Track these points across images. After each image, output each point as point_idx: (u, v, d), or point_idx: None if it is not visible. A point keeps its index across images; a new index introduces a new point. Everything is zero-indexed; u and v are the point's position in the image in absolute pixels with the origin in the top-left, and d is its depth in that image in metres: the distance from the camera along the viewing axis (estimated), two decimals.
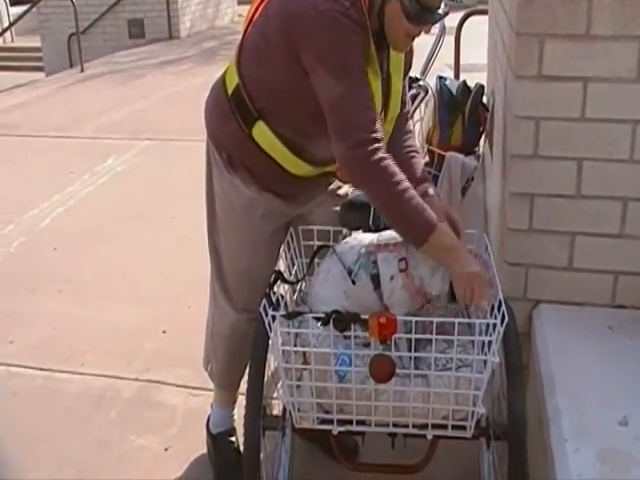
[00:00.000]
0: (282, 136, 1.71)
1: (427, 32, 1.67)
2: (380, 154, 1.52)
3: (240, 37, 1.77)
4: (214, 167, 1.87)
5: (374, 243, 1.62)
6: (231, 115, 1.75)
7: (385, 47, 1.69)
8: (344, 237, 1.93)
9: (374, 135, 1.52)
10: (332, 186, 1.92)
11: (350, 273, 1.58)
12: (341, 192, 1.93)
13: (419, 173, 1.73)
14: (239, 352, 2.00)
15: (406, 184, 1.52)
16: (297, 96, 1.64)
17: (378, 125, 1.55)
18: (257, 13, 1.70)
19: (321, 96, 1.56)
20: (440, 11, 1.59)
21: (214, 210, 1.92)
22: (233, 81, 1.75)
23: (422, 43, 2.75)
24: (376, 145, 1.52)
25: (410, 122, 1.89)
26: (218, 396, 2.16)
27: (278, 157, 1.74)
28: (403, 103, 1.82)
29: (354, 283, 1.57)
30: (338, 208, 1.87)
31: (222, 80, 1.81)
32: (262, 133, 1.72)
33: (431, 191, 1.68)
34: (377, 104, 1.62)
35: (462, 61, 4.53)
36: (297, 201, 1.85)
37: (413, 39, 1.68)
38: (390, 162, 1.53)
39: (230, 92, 1.76)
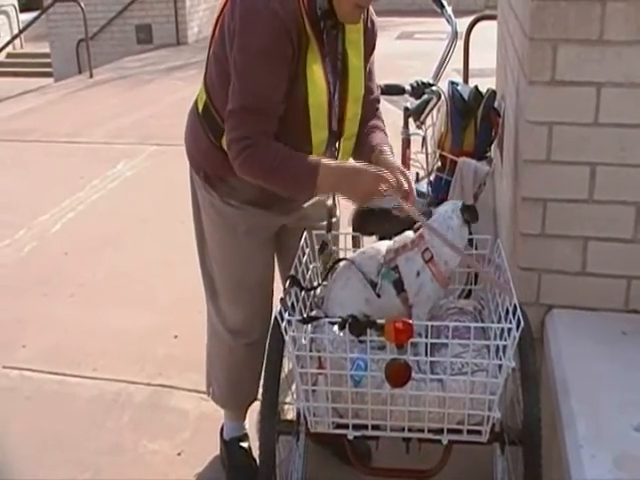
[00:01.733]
0: None
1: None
2: (246, 151, 1.60)
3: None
4: (197, 190, 1.89)
5: (392, 249, 1.63)
6: (202, 131, 1.79)
7: (340, 26, 1.68)
8: (357, 244, 1.94)
9: (242, 134, 1.60)
10: (315, 198, 1.88)
11: (374, 286, 1.59)
12: (329, 202, 1.90)
13: (375, 141, 1.77)
14: (240, 375, 2.02)
15: (278, 158, 1.60)
16: None
17: (253, 125, 1.60)
18: (216, 29, 1.71)
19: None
20: None
21: (202, 234, 1.93)
22: (202, 99, 1.79)
23: (434, 48, 2.76)
24: (245, 142, 1.59)
25: (380, 111, 1.89)
26: (227, 414, 2.17)
27: None
28: (368, 87, 1.81)
29: (379, 297, 1.58)
30: (324, 222, 1.86)
31: (195, 103, 1.84)
32: None
33: (385, 148, 1.74)
34: (318, 96, 1.64)
35: (470, 66, 4.54)
36: (279, 211, 1.85)
37: (363, 9, 1.66)
38: (256, 153, 1.60)
39: (201, 109, 1.79)
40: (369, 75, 1.82)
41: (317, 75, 1.63)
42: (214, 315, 1.99)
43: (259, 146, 1.61)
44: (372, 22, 1.79)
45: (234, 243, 1.86)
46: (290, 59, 1.59)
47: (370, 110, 1.83)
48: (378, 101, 1.89)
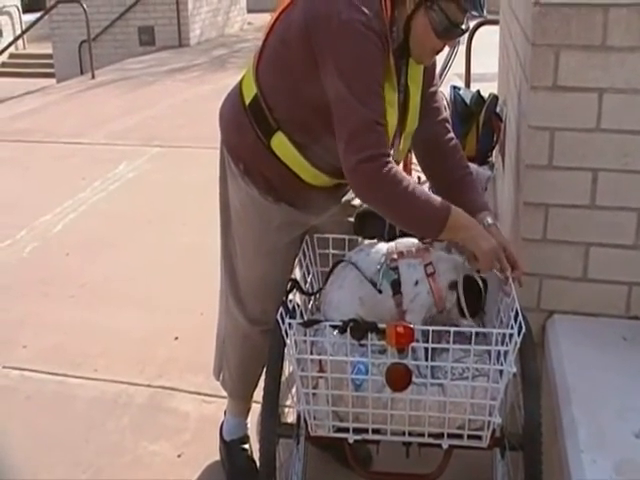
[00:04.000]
0: (301, 146, 1.71)
1: (451, 46, 1.70)
2: (388, 167, 1.53)
3: (256, 45, 1.77)
4: (230, 178, 1.86)
5: (395, 251, 1.63)
6: (249, 126, 1.74)
7: (405, 60, 1.68)
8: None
9: (382, 151, 1.54)
10: (347, 197, 1.92)
11: (375, 284, 1.59)
12: (355, 202, 1.93)
13: (479, 199, 1.73)
14: (252, 363, 2.01)
15: (412, 185, 1.55)
16: (316, 104, 1.63)
17: (385, 140, 1.56)
18: (278, 20, 1.69)
19: (335, 106, 1.57)
20: (464, 26, 1.61)
21: (229, 220, 1.92)
22: (251, 91, 1.74)
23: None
24: (384, 159, 1.53)
25: (455, 140, 1.83)
26: (231, 405, 2.16)
27: (296, 168, 1.74)
28: (436, 108, 1.81)
29: (380, 292, 1.59)
30: (352, 218, 1.87)
31: (239, 90, 1.79)
32: (281, 144, 1.71)
33: (489, 220, 1.66)
34: (392, 118, 1.62)
35: (472, 70, 4.55)
36: (313, 211, 1.85)
37: (437, 53, 1.69)
38: (397, 172, 1.54)
39: (248, 103, 1.74)
40: (435, 96, 1.82)
41: (392, 104, 1.62)
42: (233, 303, 1.97)
43: (392, 167, 1.54)
44: (434, 61, 1.80)
45: (265, 236, 1.84)
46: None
47: (446, 134, 1.81)
48: (448, 122, 1.86)
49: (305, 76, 1.62)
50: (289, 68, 1.65)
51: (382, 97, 1.57)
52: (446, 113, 1.86)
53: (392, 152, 1.66)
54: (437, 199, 1.57)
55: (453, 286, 1.59)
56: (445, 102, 2.34)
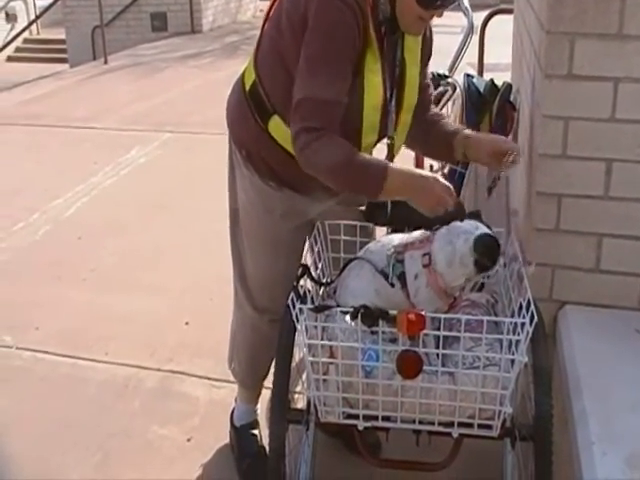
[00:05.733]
0: None
1: (439, 16, 1.66)
2: (325, 137, 1.56)
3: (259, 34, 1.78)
4: (236, 166, 1.88)
5: (402, 243, 1.62)
6: (248, 111, 1.77)
7: (399, 33, 1.68)
8: (370, 234, 1.94)
9: (312, 124, 1.56)
10: None
11: (387, 277, 1.57)
12: None
13: (450, 127, 1.81)
14: (261, 352, 2.02)
15: (346, 154, 1.57)
16: None
17: (330, 118, 1.58)
18: (273, 8, 1.72)
19: (297, 76, 1.60)
20: None
21: (236, 209, 1.93)
22: (250, 78, 1.77)
23: (450, 41, 2.74)
24: (314, 134, 1.56)
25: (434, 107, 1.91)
26: (242, 393, 2.18)
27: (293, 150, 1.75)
28: (422, 90, 1.81)
29: (393, 286, 1.57)
30: (363, 207, 1.87)
31: (241, 78, 1.83)
32: (277, 126, 1.73)
33: (467, 131, 1.76)
34: (377, 88, 1.63)
35: (484, 60, 4.51)
36: (316, 197, 1.84)
37: (426, 22, 1.67)
38: (325, 145, 1.57)
39: (248, 89, 1.78)
40: (422, 76, 1.81)
41: (374, 77, 1.63)
42: (241, 293, 1.99)
43: (329, 139, 1.58)
44: (430, 31, 1.80)
45: (269, 225, 1.86)
46: (356, 54, 1.59)
47: (425, 106, 1.84)
48: (431, 102, 1.90)
49: (296, 59, 1.63)
50: (283, 55, 1.67)
51: (343, 76, 1.58)
52: (431, 89, 1.91)
53: (388, 127, 1.70)
54: (374, 162, 1.59)
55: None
56: (459, 90, 2.33)
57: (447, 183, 1.60)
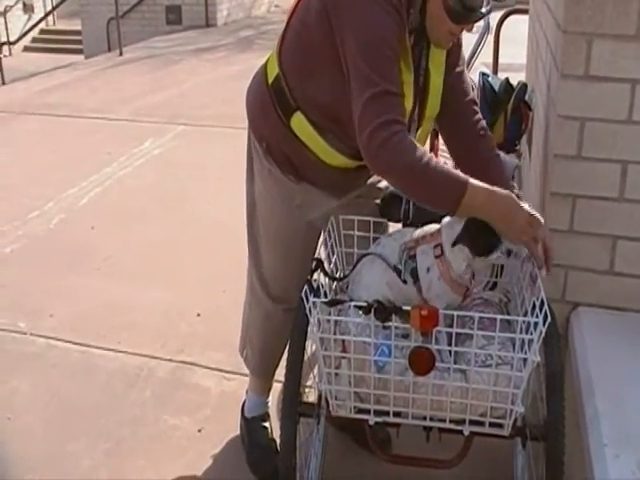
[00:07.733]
0: (318, 127, 1.71)
1: (469, 30, 1.66)
2: (401, 135, 1.48)
3: (282, 28, 1.77)
4: (254, 157, 1.89)
5: (413, 238, 1.62)
6: (271, 105, 1.76)
7: (425, 43, 1.68)
8: (384, 229, 1.95)
9: (396, 117, 1.49)
10: (372, 179, 1.92)
11: (400, 273, 1.57)
12: (381, 185, 1.93)
13: (505, 185, 1.62)
14: (274, 341, 2.03)
15: (428, 156, 1.48)
16: (335, 83, 1.62)
17: (401, 109, 1.53)
18: (300, 3, 1.70)
19: (353, 78, 1.54)
20: (483, 10, 1.59)
21: (254, 200, 1.94)
22: (274, 71, 1.76)
23: (465, 41, 2.73)
24: (398, 127, 1.48)
25: (482, 121, 1.81)
26: (253, 383, 2.19)
27: (314, 148, 1.75)
28: (463, 89, 1.78)
29: (405, 283, 1.56)
30: (379, 201, 1.88)
31: (264, 70, 1.82)
32: (300, 123, 1.73)
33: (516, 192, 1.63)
34: (408, 99, 1.61)
35: (499, 60, 4.50)
36: (335, 193, 1.85)
37: (455, 37, 1.67)
38: (411, 142, 1.49)
39: (270, 82, 1.77)
40: (461, 76, 1.79)
41: (407, 88, 1.60)
42: (256, 281, 2.00)
43: (408, 137, 1.49)
44: (459, 44, 1.78)
45: (286, 215, 1.86)
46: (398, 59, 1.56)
47: (474, 115, 1.79)
48: (475, 103, 1.82)
49: (323, 58, 1.63)
50: (308, 50, 1.66)
51: (398, 66, 1.56)
52: (473, 94, 1.84)
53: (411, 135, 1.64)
54: (454, 172, 1.50)
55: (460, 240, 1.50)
56: (473, 84, 2.33)
57: (534, 212, 1.50)
